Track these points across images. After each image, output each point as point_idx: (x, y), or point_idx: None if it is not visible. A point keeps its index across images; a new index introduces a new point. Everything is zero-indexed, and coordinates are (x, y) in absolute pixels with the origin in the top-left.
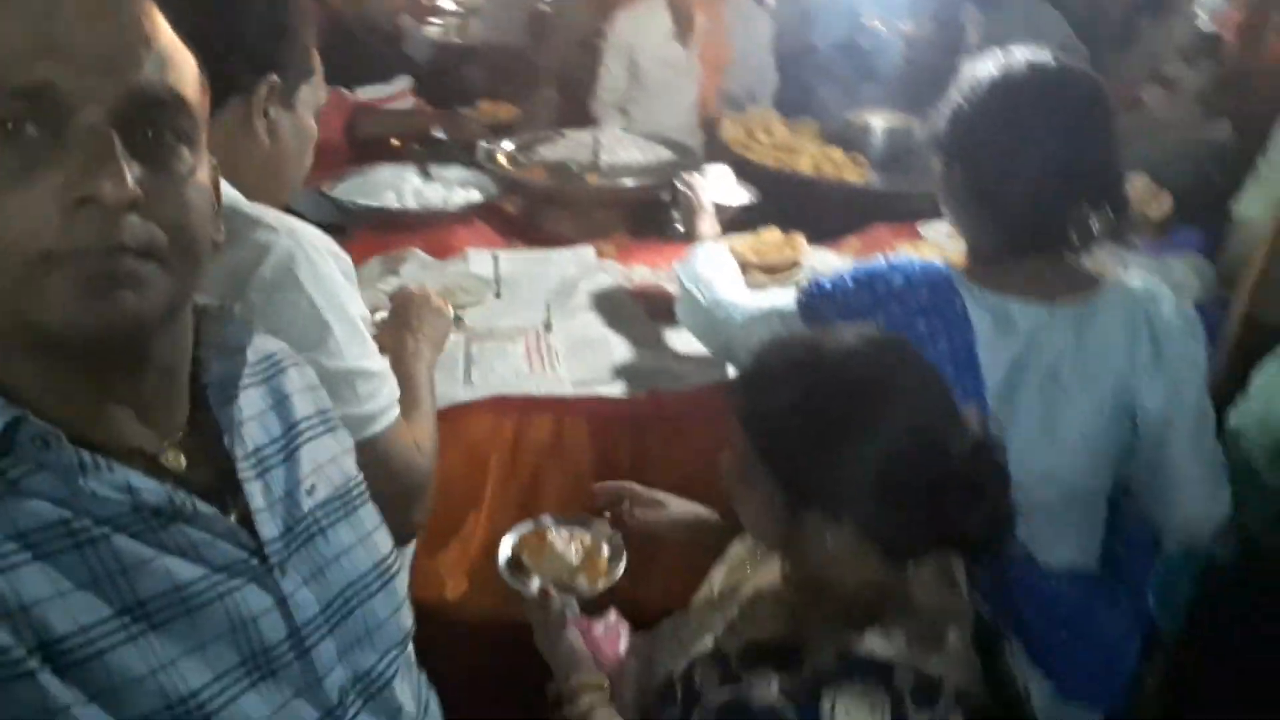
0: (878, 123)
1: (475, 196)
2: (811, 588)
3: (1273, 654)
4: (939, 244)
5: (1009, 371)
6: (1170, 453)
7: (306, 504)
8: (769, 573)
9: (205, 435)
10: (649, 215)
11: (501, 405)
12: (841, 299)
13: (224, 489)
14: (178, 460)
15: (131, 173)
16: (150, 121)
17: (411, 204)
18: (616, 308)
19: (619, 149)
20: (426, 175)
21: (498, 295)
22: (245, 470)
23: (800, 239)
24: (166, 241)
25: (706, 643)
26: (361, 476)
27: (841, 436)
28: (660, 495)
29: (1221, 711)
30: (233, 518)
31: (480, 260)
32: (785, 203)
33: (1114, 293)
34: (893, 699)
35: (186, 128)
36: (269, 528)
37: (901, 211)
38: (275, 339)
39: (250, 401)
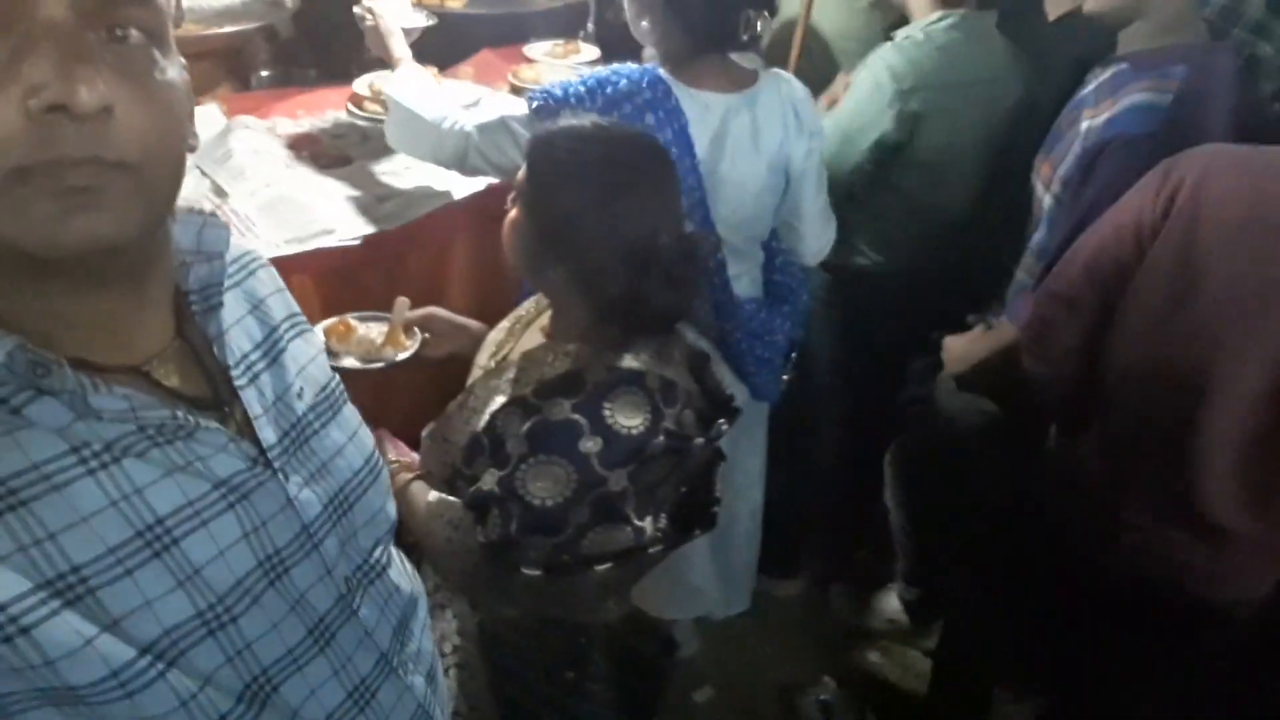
0: None
1: None
2: (571, 334)
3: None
4: (549, 63)
5: (711, 148)
6: (803, 198)
7: (298, 407)
8: (530, 339)
9: (191, 345)
10: (240, 72)
11: None
12: (577, 103)
13: (218, 398)
14: (169, 375)
15: (102, 76)
16: (117, 19)
17: None
18: (284, 163)
19: None
20: None
21: None
22: (239, 378)
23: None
24: (142, 150)
25: (499, 400)
26: (338, 378)
27: (588, 196)
28: (458, 321)
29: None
30: (231, 427)
31: None
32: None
33: (767, 80)
34: (649, 398)
35: (154, 25)
36: (268, 433)
37: (503, 35)
38: (240, 241)
39: (230, 307)
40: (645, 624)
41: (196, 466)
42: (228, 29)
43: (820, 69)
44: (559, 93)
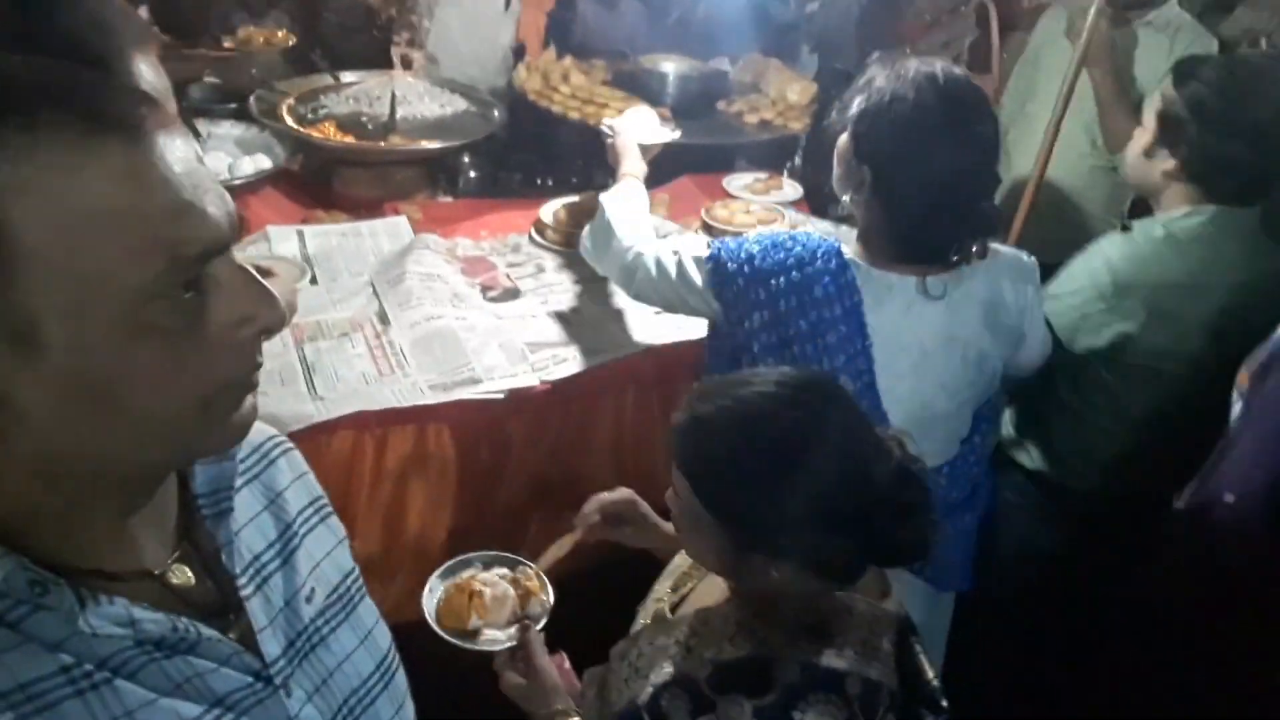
0: (670, 68)
1: (265, 163)
2: (762, 608)
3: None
4: (746, 198)
5: (890, 332)
6: (1021, 359)
7: (306, 613)
8: (710, 587)
9: (199, 547)
10: (448, 172)
11: (360, 419)
12: (745, 259)
13: (224, 604)
14: (185, 576)
15: None
16: (238, 235)
17: None
18: (452, 292)
19: (416, 102)
20: (198, 136)
21: (314, 281)
22: (246, 587)
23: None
24: None
25: (666, 669)
26: (357, 570)
27: (779, 484)
28: (654, 520)
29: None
30: (233, 636)
31: (284, 238)
32: (590, 157)
33: (975, 266)
34: (847, 707)
35: None
36: (272, 645)
37: (708, 162)
38: (263, 424)
39: (243, 504)
40: None
41: (194, 683)
42: (435, 145)
43: (1046, 231)
44: (733, 247)
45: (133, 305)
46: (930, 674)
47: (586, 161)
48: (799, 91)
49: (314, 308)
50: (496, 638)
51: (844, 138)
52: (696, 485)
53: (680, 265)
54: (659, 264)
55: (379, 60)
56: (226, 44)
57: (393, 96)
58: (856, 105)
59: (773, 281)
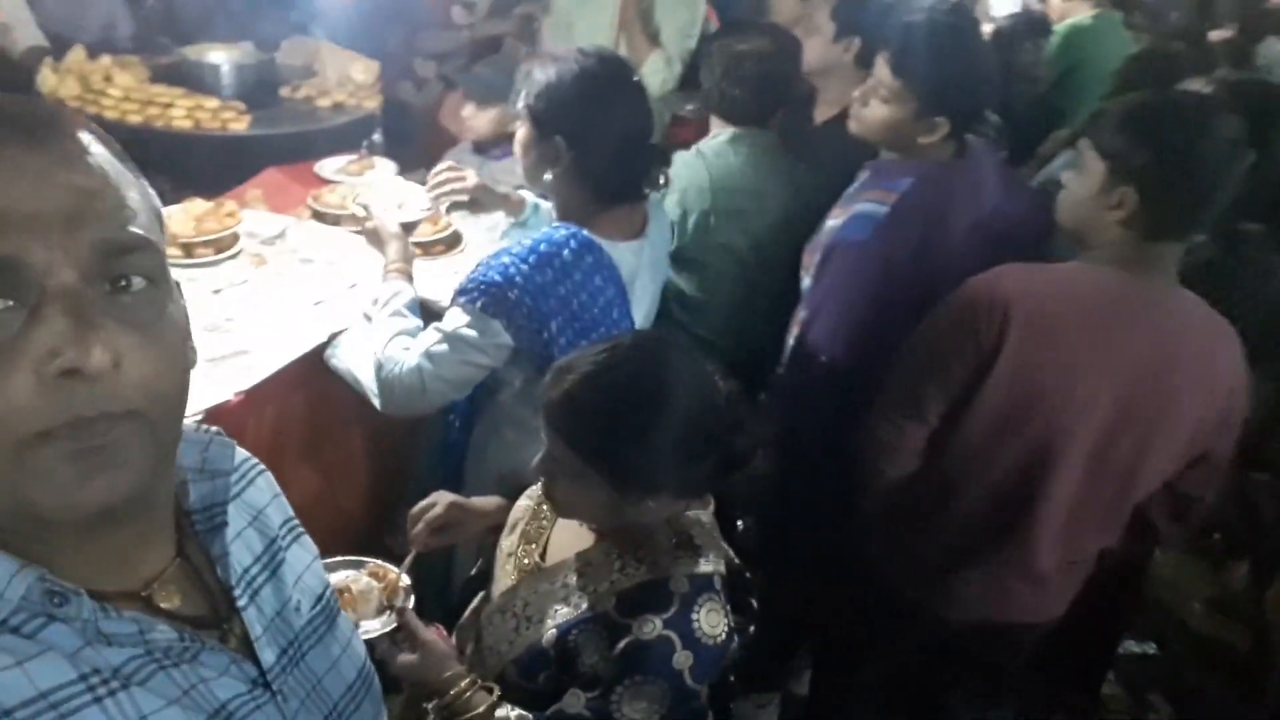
0: (220, 58)
1: None
2: (636, 539)
3: None
4: (346, 180)
5: (637, 287)
6: None
7: (296, 623)
8: (570, 532)
9: (193, 563)
10: None
11: None
12: (524, 282)
13: (217, 616)
14: (171, 598)
15: (110, 331)
16: (121, 271)
17: None
18: None
19: None
20: None
21: None
22: (241, 597)
23: (232, 205)
24: (148, 395)
25: (563, 611)
26: (331, 582)
27: (653, 427)
28: (475, 508)
29: None
30: (231, 644)
31: None
32: (156, 162)
33: (653, 210)
34: (722, 602)
35: (151, 266)
36: (268, 654)
37: (288, 153)
38: (239, 448)
39: (232, 521)
40: None
41: (200, 690)
42: None
43: None
44: (498, 277)
45: None
46: (732, 552)
47: (152, 169)
48: (363, 70)
49: None
50: (373, 626)
51: (523, 130)
52: (580, 450)
53: (455, 338)
54: (435, 356)
55: None
56: None
57: None
58: (526, 97)
59: (560, 288)
